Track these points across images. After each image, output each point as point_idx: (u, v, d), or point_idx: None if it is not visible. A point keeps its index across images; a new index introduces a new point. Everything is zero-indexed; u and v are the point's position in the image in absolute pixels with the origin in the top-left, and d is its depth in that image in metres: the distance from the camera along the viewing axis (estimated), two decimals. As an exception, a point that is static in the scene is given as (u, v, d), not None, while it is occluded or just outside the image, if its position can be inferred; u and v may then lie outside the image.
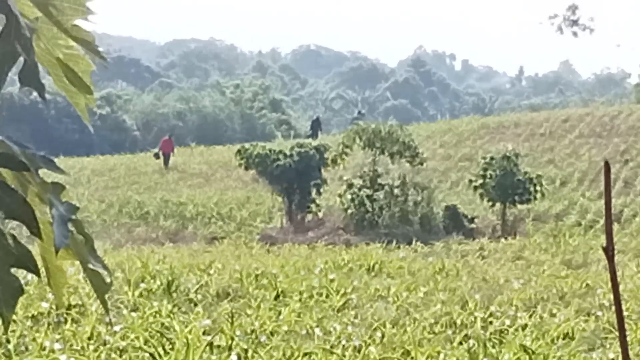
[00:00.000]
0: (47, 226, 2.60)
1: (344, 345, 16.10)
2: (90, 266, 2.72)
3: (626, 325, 20.07)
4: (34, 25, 2.81)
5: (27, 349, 14.64)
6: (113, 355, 14.63)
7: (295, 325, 18.93)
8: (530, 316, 21.22)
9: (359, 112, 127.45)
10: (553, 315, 21.75)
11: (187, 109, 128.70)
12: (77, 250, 2.68)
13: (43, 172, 2.64)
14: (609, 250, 2.57)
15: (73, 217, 2.63)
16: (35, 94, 2.81)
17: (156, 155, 69.49)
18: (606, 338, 17.95)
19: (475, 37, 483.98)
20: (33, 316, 18.19)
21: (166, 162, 67.60)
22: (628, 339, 17.87)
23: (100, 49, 3.02)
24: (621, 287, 26.19)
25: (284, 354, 15.24)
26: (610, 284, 2.62)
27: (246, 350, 14.74)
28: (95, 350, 14.89)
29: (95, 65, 2.96)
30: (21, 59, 2.61)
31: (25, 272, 2.53)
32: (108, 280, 2.83)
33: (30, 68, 2.60)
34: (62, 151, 76.01)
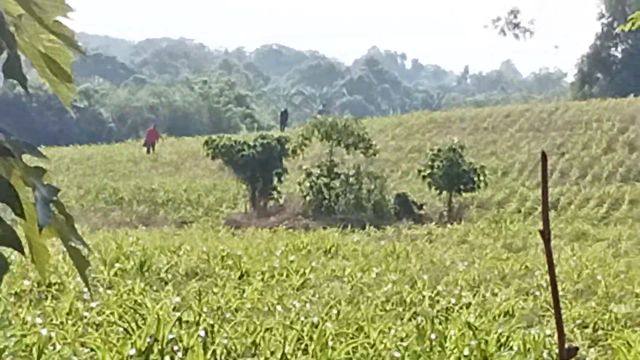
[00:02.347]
0: (30, 207, 2.60)
1: (302, 322, 16.08)
2: (72, 243, 2.73)
3: (561, 304, 20.09)
4: (18, 22, 2.81)
5: (10, 323, 14.56)
6: (90, 329, 14.59)
7: (258, 302, 18.94)
8: (474, 295, 21.29)
9: (323, 106, 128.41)
10: (495, 294, 21.81)
11: (159, 103, 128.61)
12: (59, 229, 2.68)
13: (26, 159, 2.64)
14: (545, 235, 2.56)
15: (54, 198, 2.63)
16: (18, 88, 2.82)
17: (145, 145, 69.87)
18: (543, 316, 18.02)
19: (425, 38, 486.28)
20: (16, 293, 18.16)
21: (150, 149, 68.00)
22: (563, 316, 17.91)
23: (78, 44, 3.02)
24: (557, 269, 26.40)
25: (247, 329, 15.22)
26: (548, 271, 2.60)
27: (212, 326, 14.70)
28: (73, 324, 14.85)
29: (75, 58, 2.96)
30: (5, 53, 2.61)
31: (9, 251, 2.52)
32: (87, 257, 2.82)
33: (13, 61, 2.59)
34: (44, 142, 75.75)
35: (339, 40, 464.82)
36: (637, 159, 55.16)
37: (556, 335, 2.83)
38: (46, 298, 17.90)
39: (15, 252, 2.62)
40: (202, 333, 13.33)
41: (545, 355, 12.98)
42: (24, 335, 12.79)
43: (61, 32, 2.91)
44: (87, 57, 3.27)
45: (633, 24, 5.83)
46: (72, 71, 3.01)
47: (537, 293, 21.32)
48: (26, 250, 2.76)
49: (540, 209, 43.26)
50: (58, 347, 12.86)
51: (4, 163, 2.56)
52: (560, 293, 22.05)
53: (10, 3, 2.76)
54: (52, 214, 2.62)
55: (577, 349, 2.75)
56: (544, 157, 2.56)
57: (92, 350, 12.85)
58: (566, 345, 2.62)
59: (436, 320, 17.17)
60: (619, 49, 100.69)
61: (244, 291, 20.47)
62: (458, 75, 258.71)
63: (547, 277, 17.34)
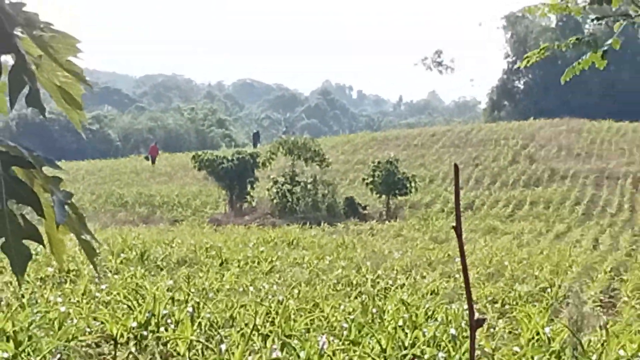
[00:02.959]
0: (49, 209, 2.61)
1: (270, 299, 16.09)
2: (83, 237, 2.73)
3: (475, 285, 20.31)
4: (38, 61, 2.81)
5: (36, 302, 14.51)
6: (100, 306, 14.53)
7: (235, 284, 18.97)
8: (407, 278, 21.38)
9: (287, 128, 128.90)
10: (423, 277, 21.92)
11: (156, 126, 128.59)
12: (73, 226, 2.69)
13: (47, 171, 2.64)
14: (457, 230, 2.59)
15: (69, 201, 2.63)
16: (51, 111, 2.84)
17: (146, 158, 70.46)
18: (462, 294, 18.05)
19: (368, 73, 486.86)
20: (41, 278, 18.13)
21: (153, 161, 68.41)
22: (475, 295, 18.08)
23: (89, 79, 3.02)
24: (472, 257, 26.57)
25: (226, 306, 15.20)
26: (460, 257, 2.63)
27: (198, 303, 14.65)
28: (87, 303, 14.80)
29: (85, 90, 2.97)
30: (27, 87, 2.61)
31: (35, 244, 2.53)
32: (96, 248, 2.82)
33: (34, 93, 2.59)
34: (64, 157, 75.63)
35: (299, 75, 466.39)
36: (536, 169, 55.43)
37: (467, 309, 2.85)
38: (65, 282, 17.87)
39: (40, 245, 2.64)
40: (190, 309, 13.28)
41: (463, 325, 12.99)
42: (47, 311, 12.72)
43: (72, 69, 2.92)
44: (96, 89, 3.30)
45: (528, 62, 5.84)
46: (83, 101, 3.02)
47: (457, 276, 21.39)
48: (47, 243, 2.77)
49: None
50: (75, 321, 12.80)
51: (27, 173, 2.57)
52: (475, 276, 22.20)
53: (31, 46, 2.76)
54: (67, 214, 2.62)
55: (484, 319, 2.76)
56: (456, 168, 2.58)
57: (102, 323, 12.79)
58: (475, 317, 2.64)
59: (377, 298, 17.24)
60: (521, 81, 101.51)
61: (223, 275, 20.50)
62: (394, 103, 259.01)
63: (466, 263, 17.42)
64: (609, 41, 5.14)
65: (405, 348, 11.51)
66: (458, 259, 24.38)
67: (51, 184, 2.62)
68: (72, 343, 11.80)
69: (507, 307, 17.48)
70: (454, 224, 2.55)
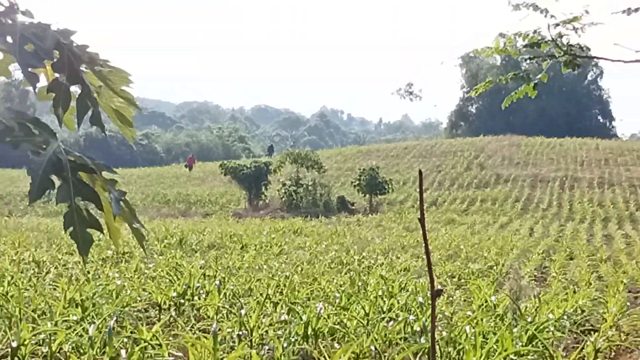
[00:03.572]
0: (108, 204, 2.62)
1: (279, 275, 16.09)
2: (134, 226, 2.75)
3: (438, 264, 20.24)
4: (99, 90, 2.83)
5: (99, 277, 14.51)
6: (148, 280, 14.54)
7: (252, 263, 18.97)
8: (385, 258, 21.38)
9: (293, 144, 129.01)
10: (398, 258, 21.88)
11: (192, 141, 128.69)
12: (126, 217, 2.70)
13: (106, 175, 2.67)
14: (422, 221, 2.60)
15: (123, 198, 2.65)
16: (110, 127, 2.86)
17: (185, 166, 70.59)
18: (427, 271, 18.08)
19: (355, 99, 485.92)
20: (102, 258, 18.15)
21: (190, 169, 68.27)
22: (437, 272, 17.99)
23: (139, 104, 3.04)
24: (435, 242, 26.49)
25: (245, 280, 15.20)
26: (423, 242, 2.63)
27: (224, 278, 14.65)
28: (138, 277, 14.80)
29: (135, 112, 2.99)
30: (91, 110, 2.64)
31: (97, 232, 2.54)
32: (145, 234, 2.84)
33: (96, 115, 2.61)
34: (120, 165, 75.85)
35: (303, 101, 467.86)
36: (484, 174, 55.46)
37: (429, 282, 2.85)
38: (121, 261, 17.88)
39: (100, 232, 2.66)
40: (217, 282, 13.26)
41: (428, 294, 12.97)
42: (107, 284, 12.70)
43: (126, 96, 2.93)
44: (145, 112, 3.33)
45: (477, 92, 5.84)
46: (134, 121, 3.03)
47: (424, 257, 21.48)
48: (106, 231, 2.79)
49: (425, 204, 43.31)
50: (128, 291, 12.79)
51: (91, 177, 2.58)
52: (437, 257, 22.20)
53: (94, 78, 2.78)
54: (121, 208, 2.64)
55: (442, 290, 2.78)
56: (420, 174, 2.59)
57: (149, 293, 12.79)
58: (436, 288, 2.65)
59: (362, 274, 17.22)
60: (473, 107, 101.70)
61: (243, 256, 20.52)
62: (375, 123, 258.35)
63: (430, 247, 17.38)
64: (539, 76, 5.16)
65: (384, 312, 11.51)
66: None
67: (109, 185, 2.64)
68: (126, 309, 11.81)
69: (462, 281, 17.52)
70: (419, 217, 2.56)
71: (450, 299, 13.99)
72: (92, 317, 10.39)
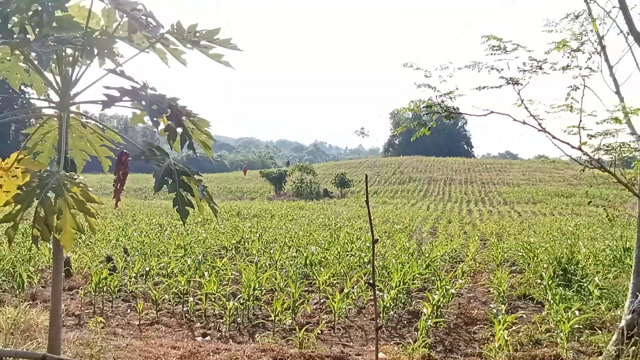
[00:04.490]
0: (197, 193, 2.60)
1: (291, 231, 16.03)
2: (211, 204, 2.71)
3: (376, 225, 19.91)
4: (192, 129, 2.80)
5: (193, 232, 14.42)
6: (220, 233, 14.47)
7: (277, 225, 18.88)
8: (349, 222, 21.22)
9: (299, 161, 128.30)
10: (356, 222, 21.73)
11: (245, 159, 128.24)
12: (207, 200, 2.67)
13: (196, 176, 2.65)
14: (367, 202, 2.59)
15: (205, 189, 2.63)
16: (198, 151, 2.82)
17: (243, 172, 69.78)
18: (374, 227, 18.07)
19: (334, 135, 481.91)
20: (195, 222, 17.99)
21: (245, 173, 67.16)
22: (376, 230, 17.54)
23: (214, 138, 3.01)
24: (375, 214, 26.08)
25: (273, 234, 15.13)
26: (368, 214, 2.63)
27: (261, 233, 14.59)
28: (214, 232, 14.72)
29: (212, 142, 2.96)
30: (188, 141, 2.62)
31: (191, 208, 2.52)
32: (217, 209, 2.81)
33: (190, 144, 2.59)
34: (204, 172, 75.12)
35: (305, 136, 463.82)
36: (402, 177, 55.36)
37: (371, 235, 2.82)
38: (205, 224, 17.77)
39: (192, 208, 2.64)
40: (257, 235, 13.24)
41: (370, 242, 12.95)
42: (197, 236, 12.66)
43: (207, 133, 2.90)
44: (218, 142, 3.31)
45: (398, 131, 5.84)
46: (212, 147, 3.00)
47: (385, 226, 21.46)
48: (196, 207, 2.76)
49: (369, 194, 42.86)
50: (209, 239, 12.75)
51: (188, 178, 2.56)
52: (376, 221, 22.02)
53: (189, 123, 2.75)
54: (204, 194, 2.62)
55: (378, 239, 2.75)
56: (366, 177, 2.58)
57: (220, 241, 12.75)
58: (375, 238, 2.65)
59: (336, 230, 17.18)
60: (397, 140, 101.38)
61: (272, 221, 20.39)
62: (343, 149, 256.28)
63: (366, 221, 17.15)
64: (431, 123, 5.17)
65: (348, 251, 11.50)
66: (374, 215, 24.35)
67: (198, 182, 2.62)
68: (208, 249, 11.76)
69: (390, 234, 17.47)
70: (366, 200, 2.55)
71: (384, 244, 14.00)
72: (189, 254, 10.37)
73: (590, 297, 8.04)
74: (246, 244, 12.88)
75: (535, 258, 10.99)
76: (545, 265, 9.79)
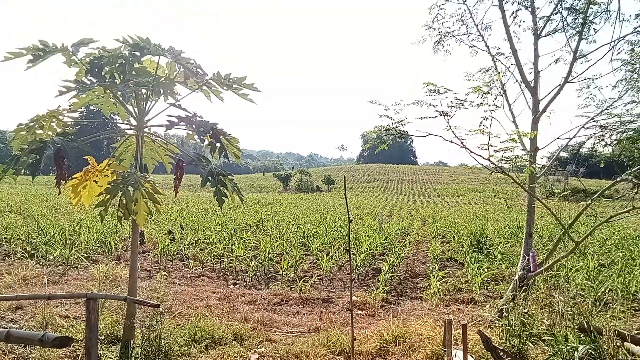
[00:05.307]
0: (230, 187, 2.57)
1: (296, 214, 15.89)
2: (240, 196, 2.69)
3: (351, 211, 19.74)
4: (227, 144, 2.78)
5: (227, 215, 14.24)
6: (245, 214, 14.29)
7: (284, 210, 18.72)
8: (333, 209, 21.01)
9: (300, 167, 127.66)
10: (338, 208, 21.60)
11: (263, 164, 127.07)
12: (237, 192, 2.65)
13: (230, 177, 2.61)
14: (345, 195, 2.59)
15: (236, 185, 2.61)
16: (230, 159, 2.80)
17: (262, 174, 68.70)
18: (358, 215, 17.97)
19: (324, 148, 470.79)
20: (229, 208, 17.74)
21: (263, 175, 66.15)
22: (351, 214, 17.37)
23: (242, 150, 2.98)
24: (350, 203, 25.80)
25: (281, 216, 14.99)
26: (345, 203, 2.59)
27: (274, 216, 14.45)
28: (241, 212, 14.52)
29: (241, 153, 2.93)
30: (224, 153, 2.58)
31: (226, 198, 2.48)
32: (244, 199, 2.79)
33: (225, 154, 2.57)
34: (235, 173, 73.89)
35: (304, 148, 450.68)
36: (369, 177, 55.26)
37: (348, 217, 2.80)
38: (236, 210, 17.54)
39: (226, 198, 2.60)
40: (271, 216, 13.14)
41: (347, 222, 12.78)
42: (230, 217, 12.47)
43: (237, 146, 2.88)
44: (244, 153, 3.26)
45: (365, 147, 5.81)
46: (241, 156, 2.97)
47: (357, 211, 21.32)
48: (230, 198, 2.72)
49: (347, 188, 42.41)
50: (237, 218, 12.61)
51: (224, 177, 2.54)
52: (351, 208, 21.83)
53: (224, 140, 2.73)
54: (235, 189, 2.60)
55: (352, 220, 2.73)
56: (344, 178, 2.58)
57: (244, 220, 12.62)
58: (350, 219, 2.63)
59: (324, 214, 17.06)
60: (366, 153, 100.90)
61: (281, 207, 20.16)
62: (329, 159, 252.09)
63: (358, 211, 16.83)
64: (389, 141, 5.18)
65: (333, 227, 11.44)
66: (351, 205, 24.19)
67: (231, 180, 2.61)
68: (237, 226, 11.66)
69: (360, 217, 17.39)
70: (344, 193, 2.54)
71: (356, 223, 13.99)
72: (225, 229, 10.29)
73: (495, 259, 8.10)
74: (263, 222, 12.81)
75: (459, 233, 11.05)
76: (465, 238, 9.85)
